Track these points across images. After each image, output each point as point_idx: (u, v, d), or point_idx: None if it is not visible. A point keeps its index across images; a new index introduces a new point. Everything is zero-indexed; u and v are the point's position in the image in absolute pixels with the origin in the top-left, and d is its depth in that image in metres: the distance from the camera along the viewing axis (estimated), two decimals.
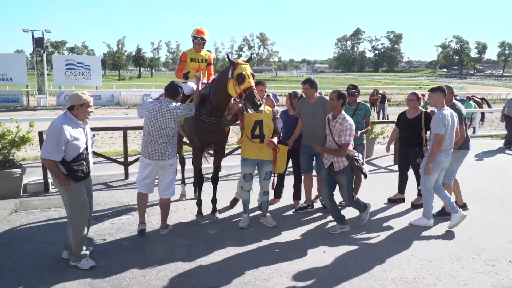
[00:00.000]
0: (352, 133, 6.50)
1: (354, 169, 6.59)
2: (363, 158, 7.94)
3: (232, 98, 6.38)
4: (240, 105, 6.22)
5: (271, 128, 6.77)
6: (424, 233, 6.90)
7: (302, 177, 7.79)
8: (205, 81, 7.72)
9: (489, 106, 22.08)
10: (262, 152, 6.73)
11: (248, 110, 6.12)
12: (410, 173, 8.15)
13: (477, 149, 14.82)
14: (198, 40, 7.90)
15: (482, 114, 20.42)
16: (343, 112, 6.61)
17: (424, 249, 6.27)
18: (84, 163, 5.35)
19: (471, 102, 19.87)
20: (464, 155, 7.66)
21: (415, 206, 8.07)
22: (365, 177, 6.70)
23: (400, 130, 8.11)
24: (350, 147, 6.62)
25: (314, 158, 7.60)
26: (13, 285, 5.07)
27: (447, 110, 6.92)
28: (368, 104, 8.18)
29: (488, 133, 19.94)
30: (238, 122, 6.78)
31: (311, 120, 7.34)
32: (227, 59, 6.33)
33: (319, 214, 7.72)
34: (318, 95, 7.51)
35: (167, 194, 6.55)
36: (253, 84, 6.14)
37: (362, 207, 7.11)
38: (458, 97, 21.40)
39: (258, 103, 5.97)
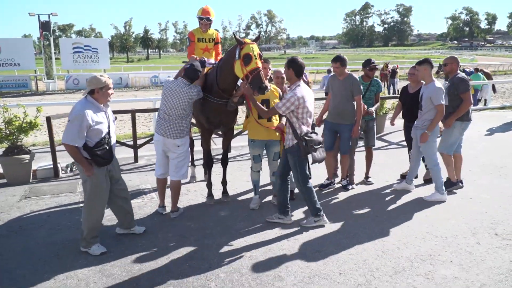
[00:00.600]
0: (289, 106, 5.75)
1: (302, 150, 5.86)
2: (374, 134, 7.82)
3: (240, 79, 6.23)
4: (247, 86, 5.97)
5: None
6: (439, 209, 6.79)
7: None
8: (212, 61, 7.57)
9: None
10: (269, 133, 6.60)
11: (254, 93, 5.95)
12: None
13: (490, 121, 14.66)
14: (204, 21, 7.70)
15: (493, 85, 20.11)
16: (298, 83, 5.98)
17: (439, 225, 6.16)
18: (107, 147, 5.29)
19: (479, 73, 19.55)
20: (466, 126, 7.58)
21: (426, 181, 7.98)
22: (312, 162, 6.06)
23: (403, 105, 7.96)
24: (305, 127, 5.91)
25: (338, 136, 7.61)
26: (22, 272, 5.04)
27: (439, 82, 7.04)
28: (379, 80, 7.98)
29: (501, 105, 19.62)
30: (245, 102, 6.64)
31: (339, 97, 7.35)
32: (234, 39, 6.12)
33: (338, 192, 7.63)
34: (347, 72, 7.42)
35: (176, 176, 6.47)
36: (260, 65, 5.87)
37: (313, 208, 6.18)
38: (467, 69, 21.27)
39: (264, 85, 5.76)
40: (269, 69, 6.75)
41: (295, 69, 5.91)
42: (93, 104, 5.16)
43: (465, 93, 7.23)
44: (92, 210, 5.39)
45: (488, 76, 20.45)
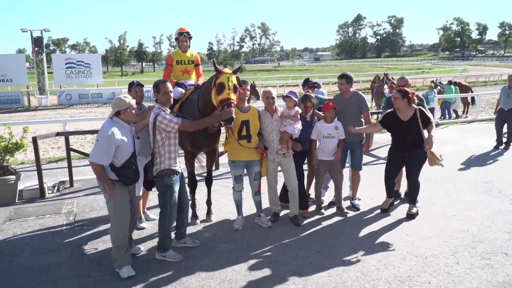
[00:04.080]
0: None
1: None
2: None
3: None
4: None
5: (257, 128, 6.68)
6: (421, 227, 6.82)
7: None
8: (193, 82, 7.56)
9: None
10: (250, 153, 6.64)
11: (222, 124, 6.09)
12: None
13: (477, 134, 14.78)
14: (184, 36, 7.53)
15: (472, 98, 20.71)
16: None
17: (420, 244, 6.19)
18: (134, 167, 5.39)
19: (451, 86, 19.94)
20: None
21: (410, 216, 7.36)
22: None
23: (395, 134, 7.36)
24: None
25: (349, 153, 7.72)
26: None
27: None
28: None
29: (490, 116, 19.73)
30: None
31: (346, 115, 7.38)
32: (214, 67, 6.11)
33: (317, 216, 7.53)
34: (352, 90, 7.51)
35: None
36: (231, 96, 5.88)
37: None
38: (443, 82, 21.76)
39: (230, 119, 5.80)
40: (247, 90, 6.73)
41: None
42: (119, 124, 5.27)
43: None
44: (117, 228, 5.44)
45: (466, 88, 20.76)
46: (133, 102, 5.33)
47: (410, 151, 7.07)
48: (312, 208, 7.66)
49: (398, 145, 7.27)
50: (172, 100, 5.89)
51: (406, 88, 7.09)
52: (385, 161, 7.61)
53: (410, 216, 7.21)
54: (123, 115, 5.28)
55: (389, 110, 7.30)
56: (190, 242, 6.30)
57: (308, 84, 8.04)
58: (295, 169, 7.03)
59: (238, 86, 6.08)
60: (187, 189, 6.49)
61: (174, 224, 6.02)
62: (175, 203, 5.75)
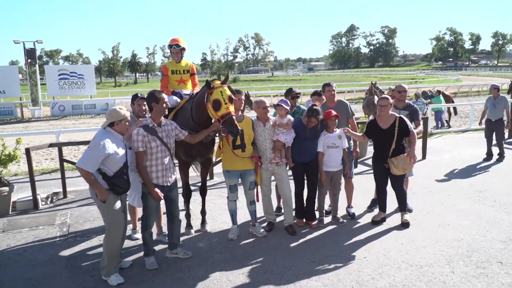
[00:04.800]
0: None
1: None
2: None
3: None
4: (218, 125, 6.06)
5: (251, 137, 6.70)
6: (416, 236, 6.82)
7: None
8: (188, 92, 7.56)
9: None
10: (244, 162, 6.65)
11: (223, 134, 6.10)
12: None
13: (471, 143, 14.81)
14: (174, 48, 7.54)
15: (454, 108, 21.07)
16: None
17: (415, 253, 6.19)
18: (125, 177, 5.44)
19: (440, 96, 20.25)
20: None
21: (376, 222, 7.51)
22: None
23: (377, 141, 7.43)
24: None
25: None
26: None
27: None
28: (303, 107, 7.84)
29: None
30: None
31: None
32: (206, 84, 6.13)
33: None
34: (337, 99, 7.59)
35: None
36: (231, 109, 5.91)
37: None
38: (428, 92, 22.20)
39: (236, 131, 5.83)
40: (242, 100, 6.75)
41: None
42: (112, 135, 5.34)
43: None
44: (111, 237, 5.47)
45: (448, 98, 21.08)
46: (127, 114, 5.36)
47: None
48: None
49: (379, 153, 7.33)
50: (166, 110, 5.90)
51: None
52: None
53: (406, 225, 7.22)
54: (117, 126, 5.33)
55: (370, 119, 7.47)
56: (182, 253, 6.28)
57: (291, 94, 7.74)
58: (312, 181, 7.14)
59: (233, 96, 6.09)
60: (181, 199, 6.48)
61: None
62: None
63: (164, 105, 5.69)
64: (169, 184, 5.90)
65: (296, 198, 7.27)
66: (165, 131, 5.81)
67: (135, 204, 6.52)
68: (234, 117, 5.87)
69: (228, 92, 6.01)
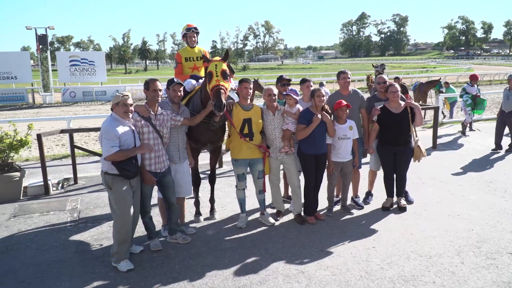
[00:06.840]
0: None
1: None
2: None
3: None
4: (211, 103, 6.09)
5: (260, 126, 6.68)
6: (425, 226, 6.80)
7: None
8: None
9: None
10: (252, 151, 6.65)
11: (216, 111, 5.95)
12: None
13: (481, 133, 14.68)
14: (191, 31, 7.61)
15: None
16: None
17: (424, 244, 6.17)
18: (134, 161, 5.48)
19: (451, 87, 19.79)
20: None
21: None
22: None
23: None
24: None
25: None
26: None
27: None
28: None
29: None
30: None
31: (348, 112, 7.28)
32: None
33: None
34: (351, 88, 7.56)
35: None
36: (220, 82, 5.93)
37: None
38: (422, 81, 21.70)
39: (219, 104, 5.79)
40: (250, 89, 6.64)
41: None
42: (117, 119, 5.44)
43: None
44: (119, 223, 5.51)
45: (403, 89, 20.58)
46: (125, 98, 5.41)
47: (402, 147, 7.28)
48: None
49: (388, 139, 7.33)
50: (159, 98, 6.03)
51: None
52: None
53: (403, 209, 7.47)
54: (115, 109, 5.45)
55: (380, 106, 7.39)
56: (181, 239, 6.35)
57: (281, 81, 7.53)
58: (321, 174, 7.08)
59: (228, 73, 6.13)
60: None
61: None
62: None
63: (154, 93, 5.83)
64: (162, 171, 6.00)
65: (305, 195, 7.11)
66: (159, 120, 5.94)
67: (182, 194, 6.58)
68: (222, 91, 5.88)
69: (223, 67, 6.07)
